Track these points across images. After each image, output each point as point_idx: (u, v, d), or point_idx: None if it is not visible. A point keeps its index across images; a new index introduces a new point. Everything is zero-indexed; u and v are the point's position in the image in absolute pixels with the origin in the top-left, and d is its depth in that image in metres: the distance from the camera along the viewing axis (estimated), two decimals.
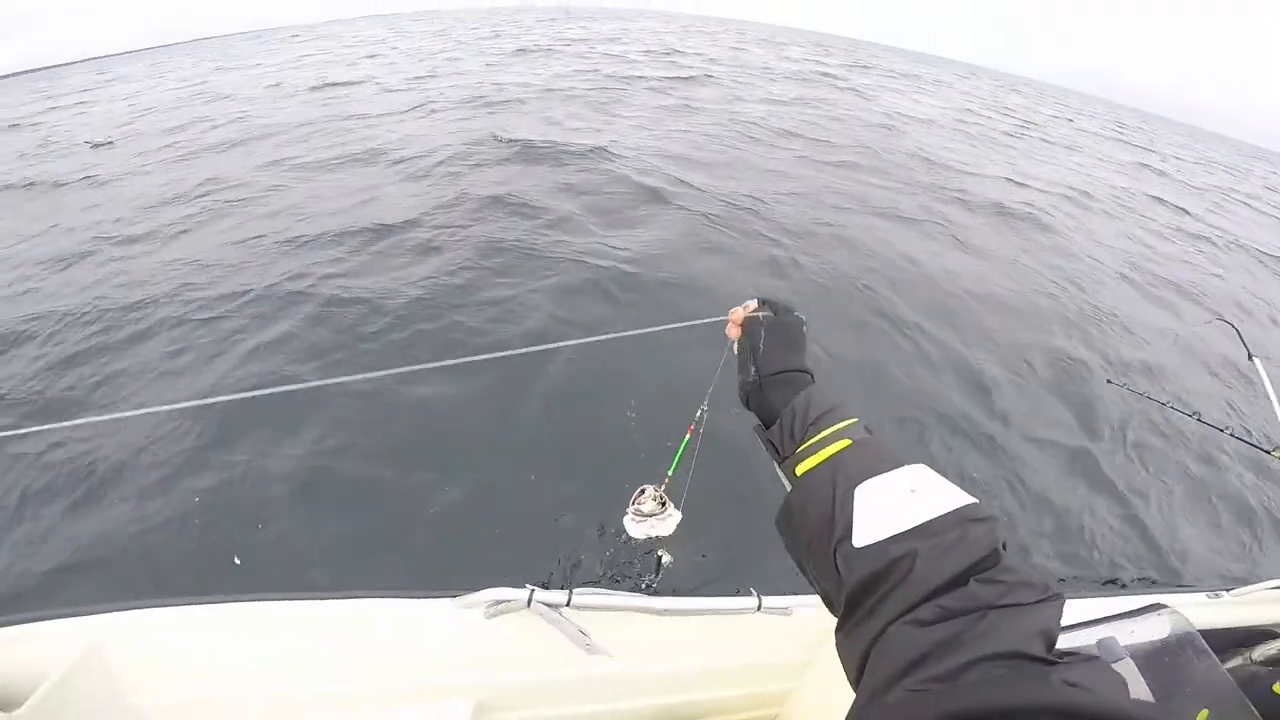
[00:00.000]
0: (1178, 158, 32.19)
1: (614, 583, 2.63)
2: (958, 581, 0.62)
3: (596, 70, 20.93)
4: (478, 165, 9.37)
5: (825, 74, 28.59)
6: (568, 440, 3.93)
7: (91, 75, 37.92)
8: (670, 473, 1.27)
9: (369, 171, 9.44)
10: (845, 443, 0.84)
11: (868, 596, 0.67)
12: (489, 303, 5.35)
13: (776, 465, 0.93)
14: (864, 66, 39.23)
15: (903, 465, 0.78)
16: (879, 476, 0.76)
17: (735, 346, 1.05)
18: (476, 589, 1.57)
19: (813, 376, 0.98)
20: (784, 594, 1.75)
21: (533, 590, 1.53)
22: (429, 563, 3.09)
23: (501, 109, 13.89)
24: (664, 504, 1.28)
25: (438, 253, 6.29)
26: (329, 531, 3.29)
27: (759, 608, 1.70)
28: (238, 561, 3.15)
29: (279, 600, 1.58)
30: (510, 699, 1.79)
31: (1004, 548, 0.66)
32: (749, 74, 24.69)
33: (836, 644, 0.73)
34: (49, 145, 14.53)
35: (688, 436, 1.25)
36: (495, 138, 10.74)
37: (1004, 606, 0.58)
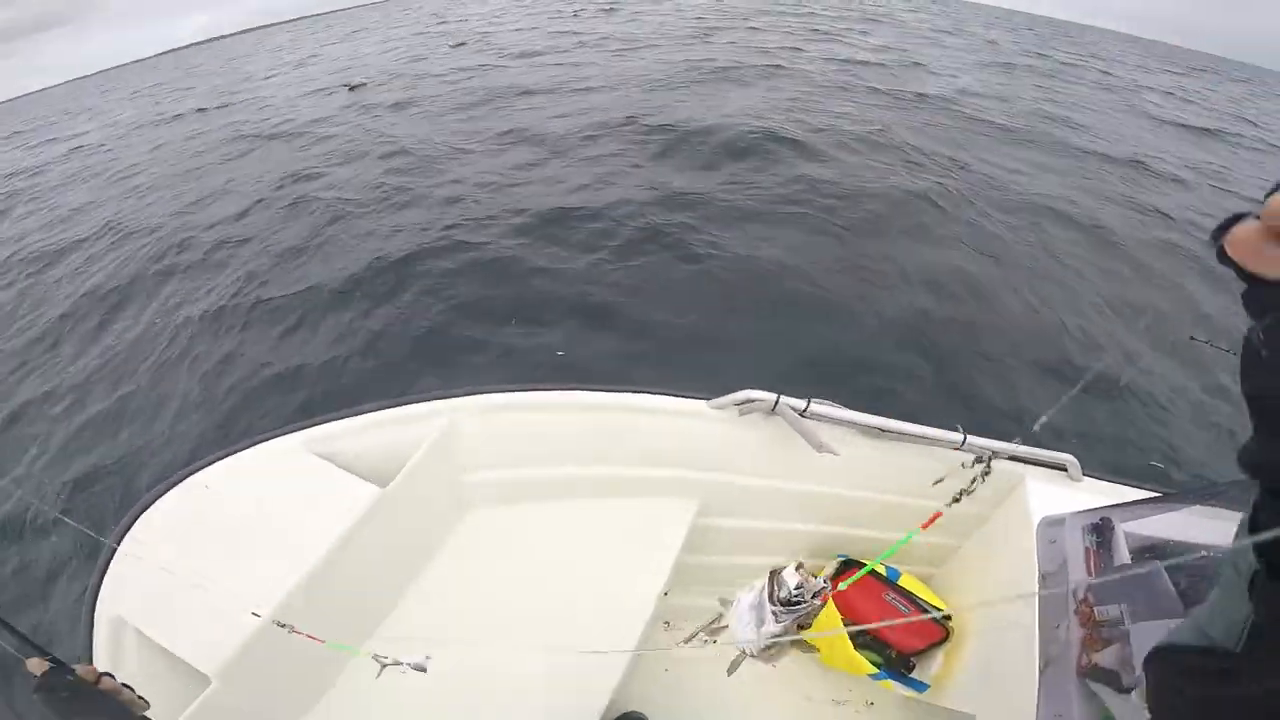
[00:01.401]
0: None
1: None
2: None
3: None
4: None
5: None
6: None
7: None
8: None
9: None
10: None
11: None
12: None
13: None
14: None
15: None
16: None
17: None
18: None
19: None
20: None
21: (779, 396, 1.86)
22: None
23: None
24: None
25: None
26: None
27: (963, 444, 1.93)
28: (560, 353, 4.46)
29: (570, 391, 2.00)
30: (727, 505, 2.14)
31: None
32: None
33: None
34: None
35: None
36: None
37: None
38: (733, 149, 7.99)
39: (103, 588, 1.48)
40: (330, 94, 15.47)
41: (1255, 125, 17.33)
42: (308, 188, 8.14)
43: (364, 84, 15.72)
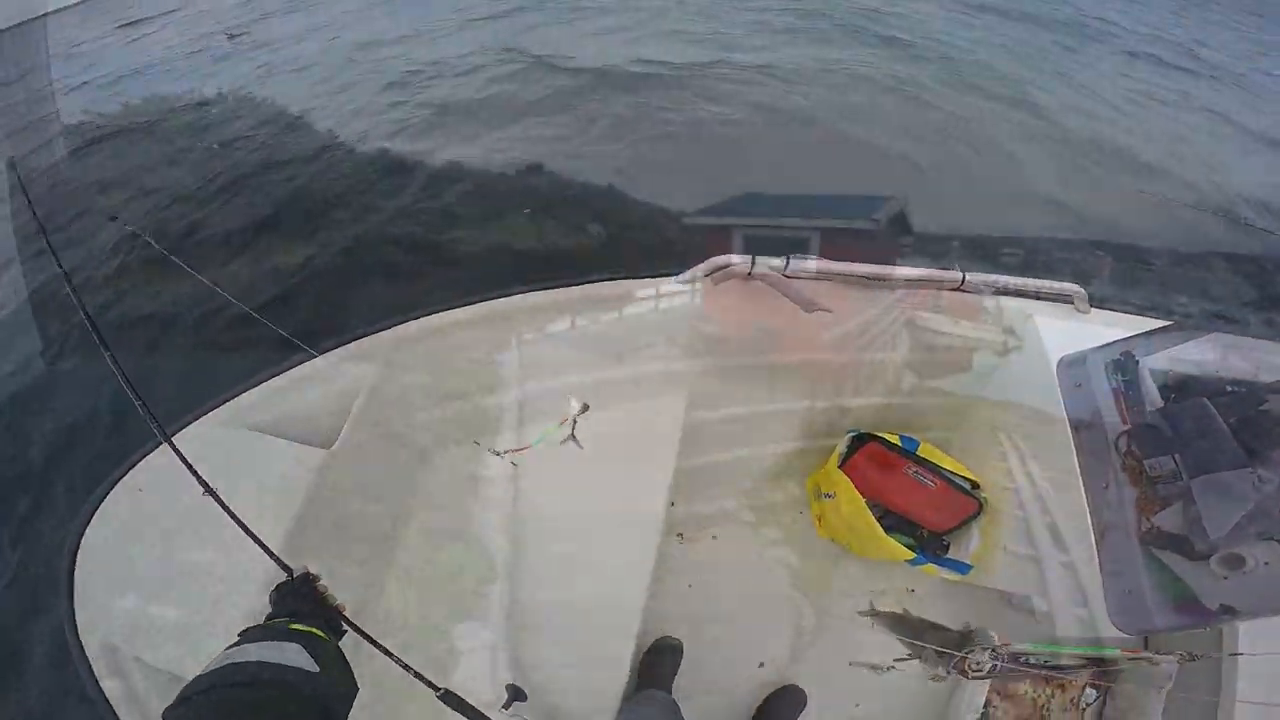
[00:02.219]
0: None
1: None
2: None
3: None
4: None
5: None
6: None
7: None
8: None
9: None
10: None
11: None
12: None
13: None
14: None
15: None
16: None
17: None
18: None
19: None
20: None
21: (754, 257, 1.61)
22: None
23: None
24: None
25: None
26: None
27: (963, 282, 1.71)
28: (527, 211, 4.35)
29: (518, 295, 1.72)
30: (718, 394, 1.94)
31: None
32: None
33: None
34: None
35: None
36: None
37: None
38: None
39: (77, 617, 1.31)
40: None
41: None
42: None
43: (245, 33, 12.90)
